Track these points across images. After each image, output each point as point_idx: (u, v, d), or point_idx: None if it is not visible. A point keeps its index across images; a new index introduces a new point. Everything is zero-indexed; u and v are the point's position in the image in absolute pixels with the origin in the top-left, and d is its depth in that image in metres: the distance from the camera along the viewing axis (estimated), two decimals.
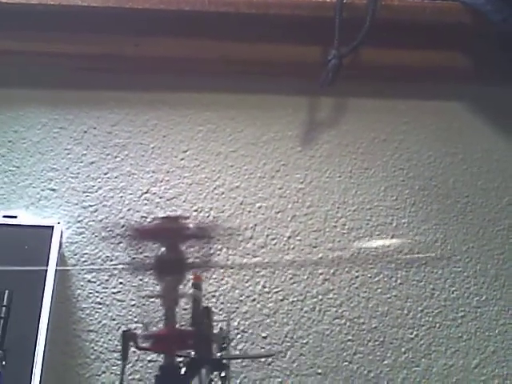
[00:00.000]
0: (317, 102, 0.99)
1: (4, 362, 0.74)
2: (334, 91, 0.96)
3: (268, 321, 0.91)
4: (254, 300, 0.91)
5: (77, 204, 0.91)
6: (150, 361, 0.85)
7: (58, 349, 0.85)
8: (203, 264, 0.71)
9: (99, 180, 0.92)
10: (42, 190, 0.91)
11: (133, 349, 0.66)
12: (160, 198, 0.93)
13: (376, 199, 0.97)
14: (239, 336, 0.90)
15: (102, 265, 0.89)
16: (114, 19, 0.91)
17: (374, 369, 0.90)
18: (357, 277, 0.94)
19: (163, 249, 0.69)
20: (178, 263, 0.69)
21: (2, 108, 0.93)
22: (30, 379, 0.75)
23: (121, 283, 0.88)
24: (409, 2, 0.95)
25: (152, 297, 0.83)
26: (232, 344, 0.89)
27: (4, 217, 0.85)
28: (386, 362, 0.91)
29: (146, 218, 0.91)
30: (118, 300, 0.87)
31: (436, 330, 0.94)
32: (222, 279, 0.91)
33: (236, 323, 0.90)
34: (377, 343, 0.92)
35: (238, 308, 0.90)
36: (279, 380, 0.88)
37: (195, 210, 0.93)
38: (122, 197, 0.92)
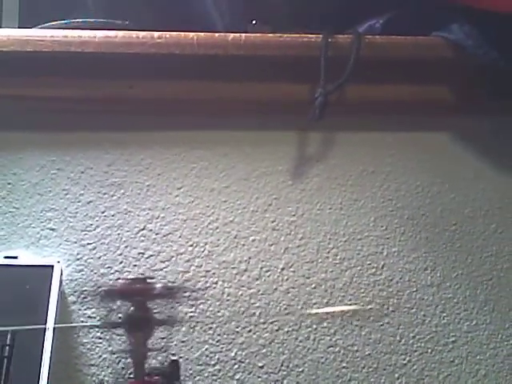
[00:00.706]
0: (306, 137, 1.00)
1: None
2: (321, 126, 0.98)
3: (264, 350, 0.93)
4: (250, 331, 0.93)
5: (76, 242, 0.93)
6: None
7: (60, 383, 0.87)
8: (169, 321, 0.76)
9: (97, 218, 0.94)
10: (42, 230, 0.93)
11: None
12: (156, 234, 0.95)
13: (366, 229, 0.99)
14: (236, 366, 0.91)
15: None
16: (107, 64, 0.92)
17: None
18: (349, 305, 0.96)
19: (132, 307, 0.73)
20: (145, 320, 0.73)
21: (2, 151, 0.94)
22: None
23: (120, 318, 0.90)
24: (391, 39, 0.96)
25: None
26: (229, 374, 0.91)
27: (5, 257, 0.87)
28: None
29: (143, 254, 0.94)
30: (118, 334, 0.88)
31: (428, 355, 0.95)
32: (219, 311, 0.93)
33: (233, 354, 0.92)
34: (371, 370, 0.94)
35: (234, 339, 0.92)
36: None
37: (190, 245, 0.95)
38: (119, 234, 0.94)
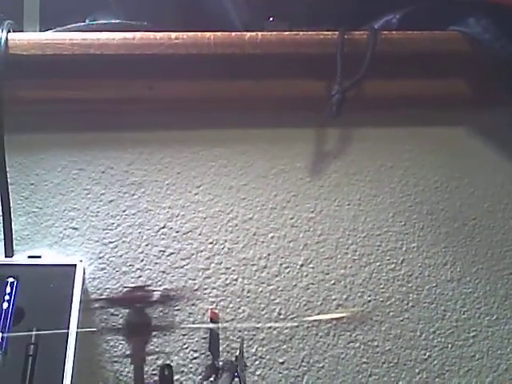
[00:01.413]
0: (323, 133, 1.01)
1: None
2: (339, 123, 0.99)
3: (285, 346, 0.93)
4: (270, 327, 0.94)
5: (98, 241, 0.94)
6: None
7: (84, 379, 0.88)
8: (166, 326, 0.79)
9: (118, 217, 0.96)
10: (65, 229, 0.94)
11: None
12: (176, 232, 0.96)
13: (385, 225, 0.99)
14: (257, 362, 0.92)
15: None
16: (127, 65, 0.94)
17: None
18: (369, 301, 0.96)
19: (131, 313, 0.77)
20: (144, 326, 0.76)
21: (24, 153, 0.96)
22: None
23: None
24: (408, 34, 0.96)
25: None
26: (250, 370, 0.92)
27: (29, 257, 0.89)
28: (400, 383, 0.94)
29: (164, 252, 0.95)
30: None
31: (449, 350, 0.96)
32: (239, 308, 0.94)
33: (254, 350, 0.93)
34: (391, 365, 0.94)
35: (255, 335, 0.93)
36: None
37: (210, 243, 0.96)
38: (140, 232, 0.95)
